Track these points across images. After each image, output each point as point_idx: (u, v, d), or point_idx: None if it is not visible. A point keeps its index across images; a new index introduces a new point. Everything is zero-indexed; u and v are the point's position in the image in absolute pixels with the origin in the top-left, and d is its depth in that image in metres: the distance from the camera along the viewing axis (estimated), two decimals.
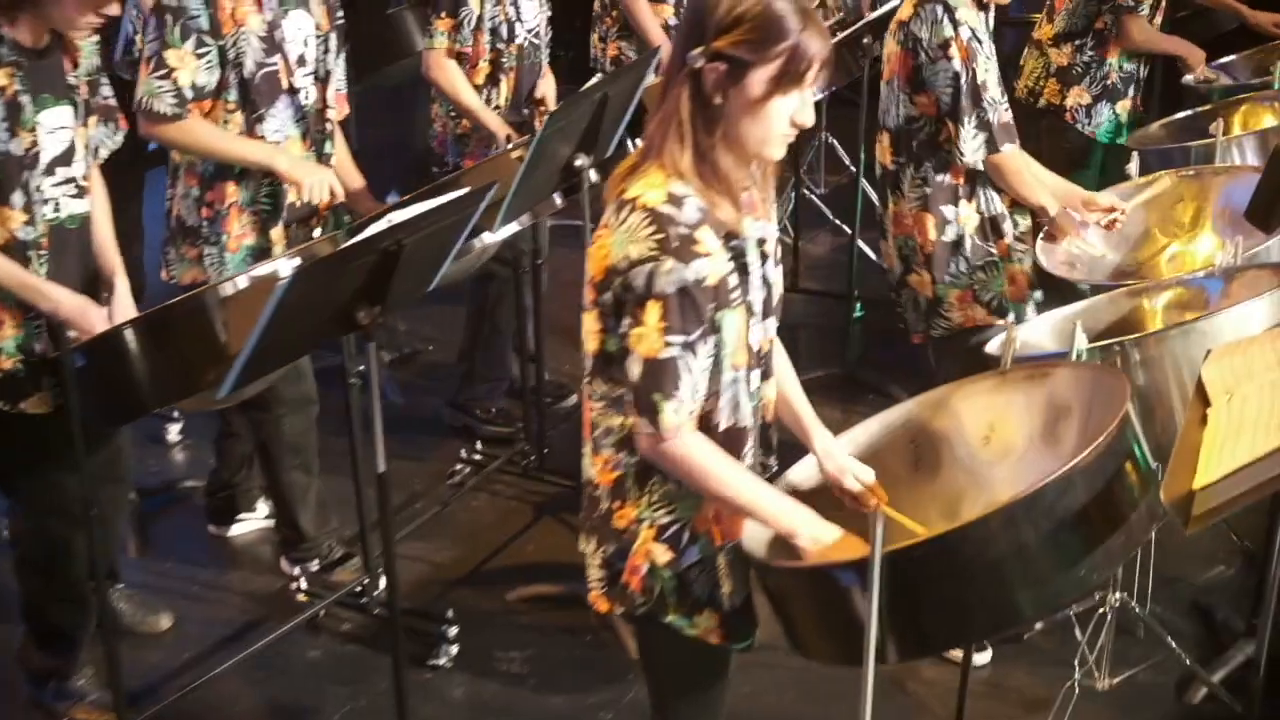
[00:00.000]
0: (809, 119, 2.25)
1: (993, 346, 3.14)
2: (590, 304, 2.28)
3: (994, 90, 3.50)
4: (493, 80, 4.52)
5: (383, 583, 3.85)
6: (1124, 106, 5.05)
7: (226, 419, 4.20)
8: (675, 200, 2.21)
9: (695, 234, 2.20)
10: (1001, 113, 3.52)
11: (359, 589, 3.95)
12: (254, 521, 4.37)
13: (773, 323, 2.48)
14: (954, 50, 3.46)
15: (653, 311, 2.18)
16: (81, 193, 3.19)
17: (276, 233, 3.66)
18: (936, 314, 3.67)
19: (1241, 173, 3.81)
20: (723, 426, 2.34)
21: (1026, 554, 2.13)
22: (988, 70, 3.50)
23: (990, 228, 3.64)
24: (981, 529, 2.13)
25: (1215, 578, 4.03)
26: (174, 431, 4.91)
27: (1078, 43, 5.00)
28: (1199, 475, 2.13)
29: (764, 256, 2.41)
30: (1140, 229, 3.95)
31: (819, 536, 2.28)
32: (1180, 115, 4.60)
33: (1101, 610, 3.37)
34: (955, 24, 3.46)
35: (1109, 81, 5.02)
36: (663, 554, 2.37)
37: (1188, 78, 5.04)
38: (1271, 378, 2.25)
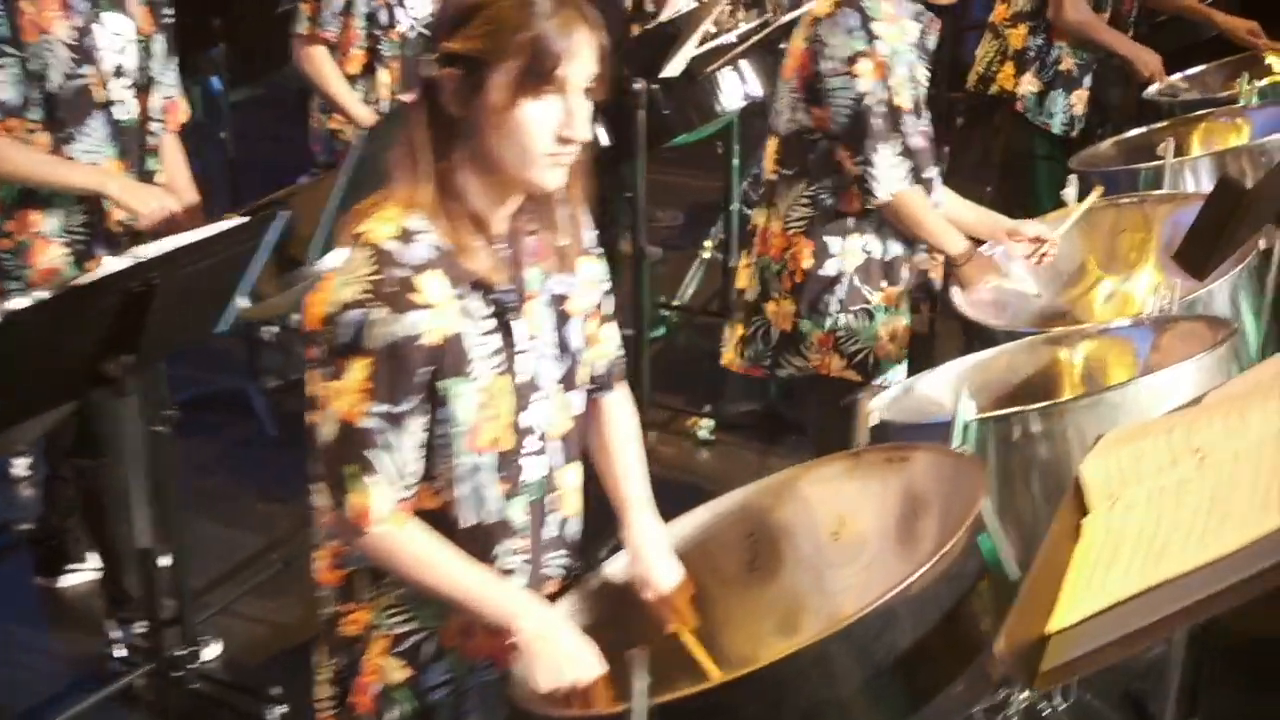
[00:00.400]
0: (580, 132, 1.80)
1: (878, 404, 2.68)
2: (310, 364, 1.83)
3: (910, 116, 3.04)
4: (369, 71, 4.10)
5: (207, 652, 3.49)
6: (1080, 97, 4.60)
7: (51, 460, 3.76)
8: (406, 236, 1.79)
9: (416, 279, 1.77)
10: (919, 141, 3.06)
11: (181, 655, 3.50)
12: (85, 573, 3.91)
13: (578, 398, 2.02)
14: (862, 66, 2.99)
15: (357, 368, 1.76)
16: None
17: (94, 265, 3.20)
18: (790, 351, 3.18)
19: (1191, 201, 3.32)
20: (465, 523, 1.89)
21: (839, 709, 1.68)
22: (906, 93, 3.04)
23: (880, 272, 3.15)
24: (781, 672, 1.67)
25: (1153, 659, 3.55)
26: (21, 466, 4.45)
27: (1031, 24, 4.56)
28: (1058, 613, 1.65)
29: (563, 317, 1.96)
30: (1075, 263, 3.48)
31: (545, 632, 1.84)
32: (1133, 133, 4.11)
33: (1009, 714, 2.90)
34: (870, 37, 2.99)
35: (1061, 68, 4.55)
36: (398, 671, 1.93)
37: (1149, 89, 4.55)
38: (1164, 482, 1.77)
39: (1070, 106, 4.57)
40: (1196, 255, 2.63)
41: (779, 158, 3.17)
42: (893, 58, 3.00)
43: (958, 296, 3.21)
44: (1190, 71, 4.78)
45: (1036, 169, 4.61)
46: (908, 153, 3.02)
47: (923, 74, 3.15)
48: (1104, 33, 4.54)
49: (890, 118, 3.00)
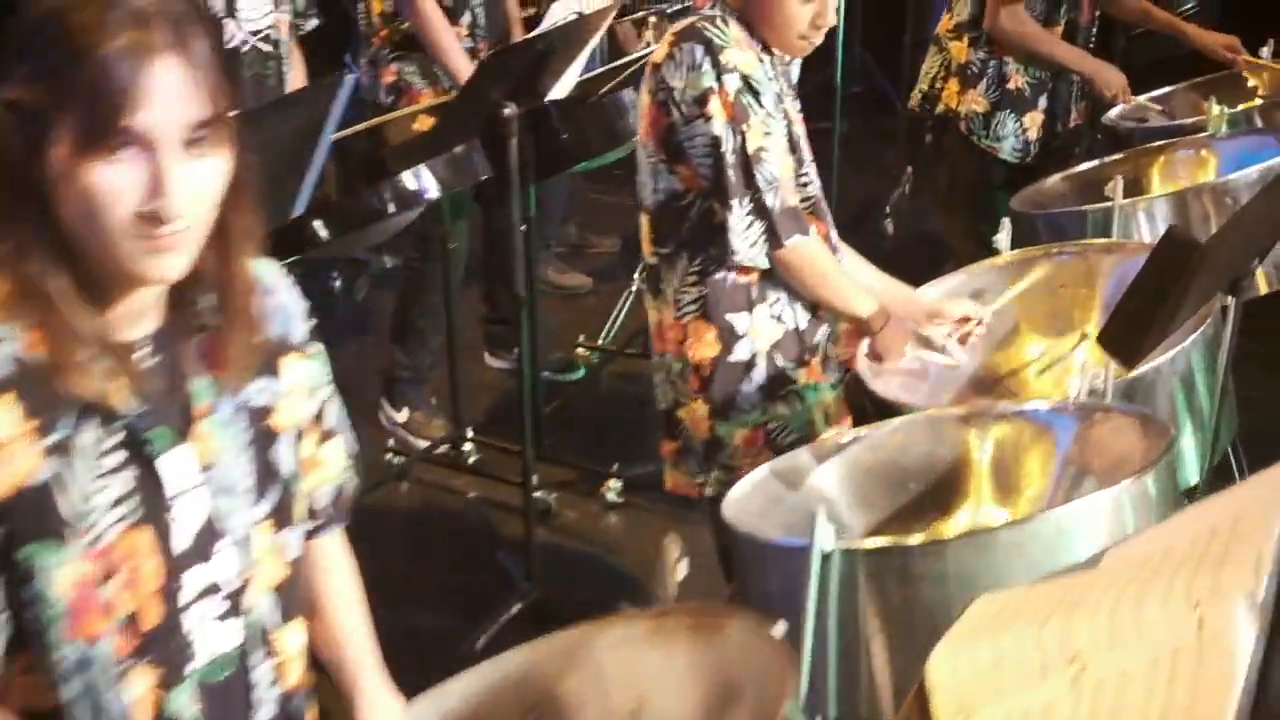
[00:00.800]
0: (170, 207, 1.30)
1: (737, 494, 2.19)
2: None
3: (776, 163, 2.53)
4: None
5: None
6: (1034, 120, 4.07)
7: None
8: None
9: None
10: (786, 193, 2.55)
11: None
12: None
13: (294, 538, 1.55)
14: (713, 106, 2.49)
15: None
16: None
17: None
18: (716, 463, 2.67)
19: (1138, 253, 2.81)
20: None
21: None
22: (769, 134, 2.54)
23: (799, 343, 2.66)
24: None
25: None
26: None
27: (973, 35, 4.03)
28: None
29: (267, 436, 1.49)
30: (1009, 323, 2.98)
31: None
32: (1084, 166, 3.60)
33: None
34: (719, 70, 2.48)
35: (1010, 87, 4.03)
36: None
37: (1110, 113, 4.04)
38: (1027, 704, 1.28)
39: (1023, 130, 4.05)
40: (1127, 336, 2.12)
41: (654, 237, 2.67)
42: (744, 95, 2.51)
43: (865, 369, 2.72)
44: (1160, 91, 4.27)
45: (994, 200, 4.02)
46: (761, 211, 2.51)
47: (794, 108, 2.66)
48: (1050, 45, 3.99)
49: (742, 168, 2.49)
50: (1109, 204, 3.06)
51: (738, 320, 2.63)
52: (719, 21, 2.52)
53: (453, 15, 3.90)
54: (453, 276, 3.99)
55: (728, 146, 2.48)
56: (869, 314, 2.63)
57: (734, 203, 2.49)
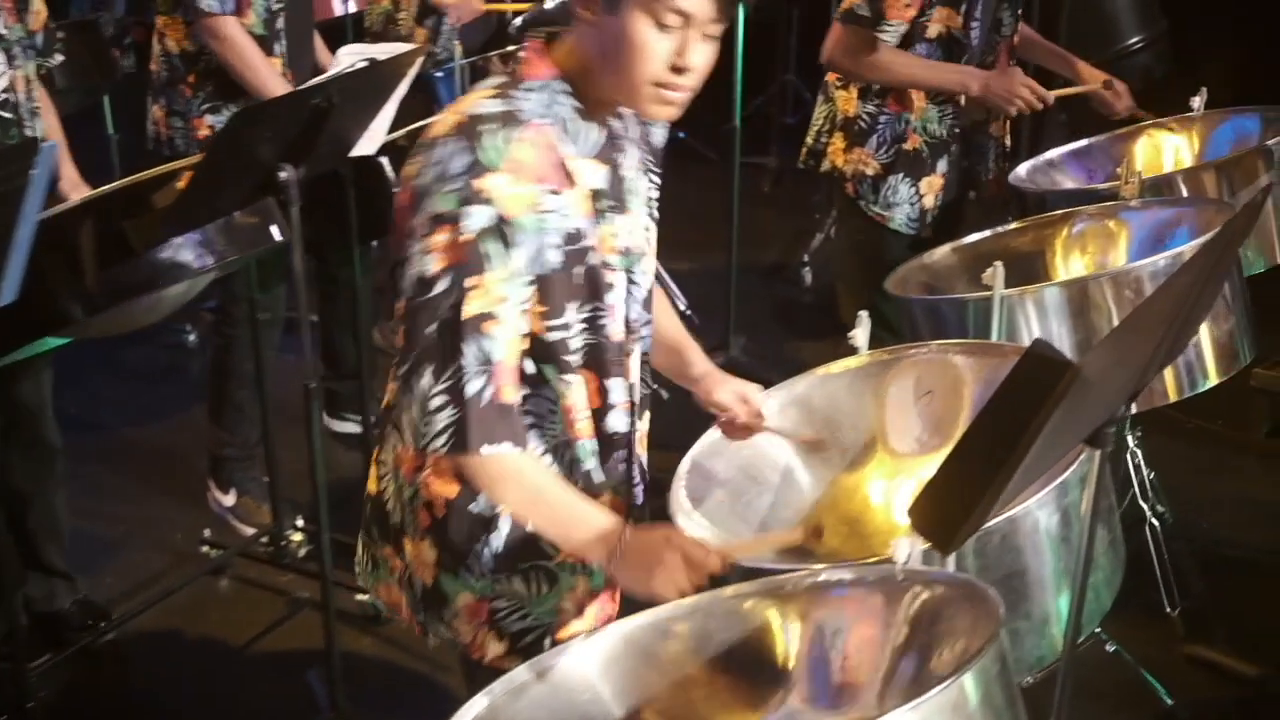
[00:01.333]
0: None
1: None
2: None
3: (503, 339, 1.84)
4: None
5: None
6: (932, 185, 3.46)
7: None
8: None
9: None
10: (502, 383, 1.84)
11: None
12: None
13: None
14: (439, 239, 1.81)
15: None
16: None
17: None
18: (435, 614, 2.09)
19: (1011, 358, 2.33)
20: None
21: None
22: (505, 300, 1.83)
23: None
24: None
25: None
26: None
27: (862, 86, 3.47)
28: None
29: None
30: (861, 437, 2.51)
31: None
32: (977, 237, 3.11)
33: None
34: (466, 195, 1.80)
35: (906, 147, 3.44)
36: None
37: (1019, 169, 3.56)
38: None
39: (918, 196, 3.46)
40: (946, 508, 1.63)
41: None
42: (489, 240, 1.81)
43: (676, 506, 2.24)
44: (1086, 141, 3.79)
45: (888, 273, 3.22)
46: (456, 397, 1.83)
47: (642, 188, 2.06)
48: (908, 72, 3.35)
49: (450, 332, 1.82)
50: (987, 294, 2.59)
51: None
52: (518, 114, 1.87)
53: (264, 43, 3.46)
54: (265, 347, 3.52)
55: (438, 298, 1.82)
56: (590, 549, 1.94)
57: (426, 370, 1.84)
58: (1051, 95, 3.43)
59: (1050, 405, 1.63)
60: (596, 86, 1.91)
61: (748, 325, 4.82)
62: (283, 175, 2.67)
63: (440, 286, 1.82)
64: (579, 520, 1.93)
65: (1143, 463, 3.51)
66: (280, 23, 3.54)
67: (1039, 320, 2.64)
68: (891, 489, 2.45)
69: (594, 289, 1.95)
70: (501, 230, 1.81)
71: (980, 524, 1.65)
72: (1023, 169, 3.55)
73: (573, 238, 1.90)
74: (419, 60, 2.96)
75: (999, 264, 2.58)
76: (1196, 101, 3.60)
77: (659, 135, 2.14)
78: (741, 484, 2.43)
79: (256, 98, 3.40)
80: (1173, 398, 2.68)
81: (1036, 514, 2.04)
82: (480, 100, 1.88)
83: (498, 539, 2.03)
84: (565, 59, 1.92)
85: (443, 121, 1.89)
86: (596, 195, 1.94)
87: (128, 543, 3.72)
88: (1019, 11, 3.56)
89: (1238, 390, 4.25)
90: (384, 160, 3.40)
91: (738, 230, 4.78)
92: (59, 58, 3.27)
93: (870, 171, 3.46)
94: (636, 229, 2.03)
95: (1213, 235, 1.91)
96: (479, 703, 1.83)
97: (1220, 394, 4.21)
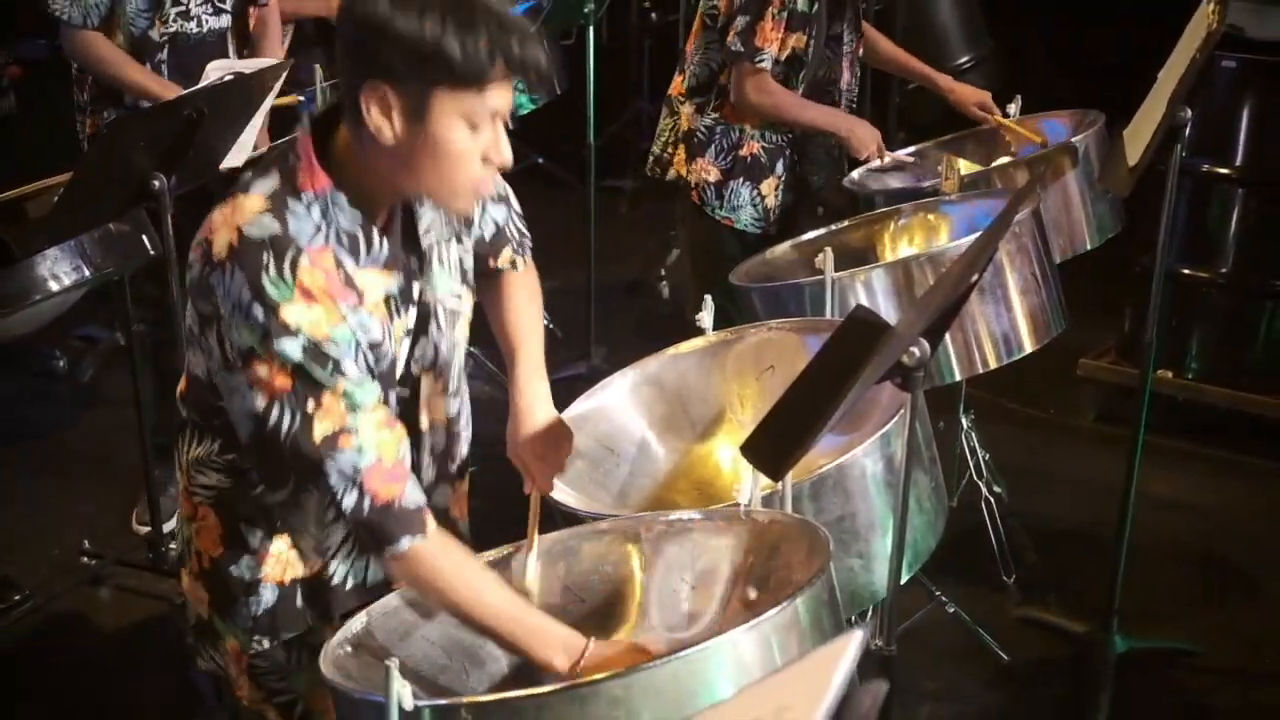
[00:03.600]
0: None
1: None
2: None
3: (369, 439, 1.84)
4: None
5: None
6: (771, 186, 3.74)
7: None
8: None
9: None
10: (378, 484, 1.84)
11: None
12: None
13: None
14: (260, 372, 1.79)
15: None
16: None
17: None
18: (208, 644, 2.13)
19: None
20: None
21: None
22: (356, 408, 1.83)
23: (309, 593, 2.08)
24: None
25: None
26: None
27: (698, 101, 3.75)
28: None
29: None
30: (712, 408, 2.72)
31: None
32: (812, 235, 3.35)
33: None
34: (270, 332, 1.77)
35: (743, 153, 3.72)
36: None
37: (853, 173, 3.82)
38: None
39: (760, 198, 3.75)
40: (776, 442, 1.84)
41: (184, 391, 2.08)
42: (311, 366, 1.79)
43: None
44: (915, 148, 4.08)
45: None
46: (338, 513, 1.86)
47: (450, 258, 2.06)
48: (797, 110, 3.68)
49: (305, 457, 1.82)
50: (819, 278, 2.82)
51: (250, 534, 2.02)
52: (294, 238, 1.79)
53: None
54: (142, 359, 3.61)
55: (277, 428, 1.81)
56: (552, 660, 1.86)
57: (305, 495, 1.91)
58: (889, 157, 3.86)
59: (869, 358, 1.87)
60: (388, 190, 1.88)
61: (608, 336, 5.01)
62: (155, 184, 2.81)
63: (275, 418, 1.80)
64: (534, 633, 1.87)
65: (977, 445, 3.78)
66: (162, 54, 3.57)
67: (868, 299, 2.87)
68: (739, 457, 2.66)
69: (378, 361, 1.93)
70: (318, 352, 1.79)
71: (801, 455, 1.86)
72: (856, 173, 3.81)
73: (375, 346, 1.89)
74: (284, 74, 3.12)
75: (828, 249, 2.82)
76: (1012, 108, 3.91)
77: (491, 219, 2.19)
78: (600, 455, 2.62)
79: (136, 95, 3.50)
80: (993, 364, 2.94)
81: (863, 461, 2.25)
82: (253, 216, 1.80)
83: (258, 604, 2.04)
84: (344, 160, 1.86)
85: (218, 233, 1.81)
86: (389, 300, 1.91)
87: (4, 554, 3.78)
88: (859, 29, 3.85)
89: (1066, 379, 4.59)
90: None
91: (594, 247, 4.98)
92: None
93: (712, 178, 3.74)
94: (447, 298, 2.03)
95: (1000, 213, 2.16)
96: (359, 620, 1.96)
97: (1050, 383, 4.58)
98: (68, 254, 2.85)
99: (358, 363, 1.84)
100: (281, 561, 2.04)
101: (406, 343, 1.98)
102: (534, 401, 2.21)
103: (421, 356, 2.02)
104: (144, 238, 3.08)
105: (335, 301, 1.81)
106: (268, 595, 2.04)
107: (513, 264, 2.29)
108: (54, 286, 2.87)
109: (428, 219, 1.99)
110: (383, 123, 1.77)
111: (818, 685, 1.07)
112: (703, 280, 3.75)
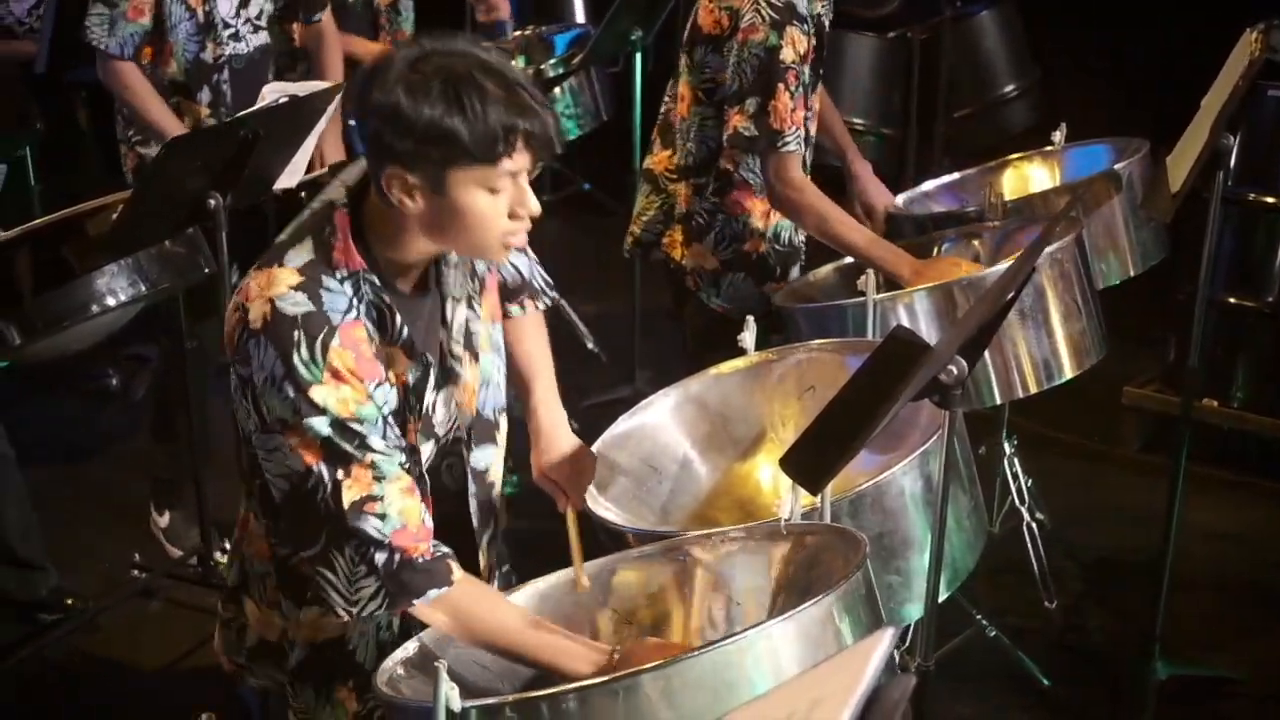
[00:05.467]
0: None
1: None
2: None
3: (395, 503, 1.95)
4: None
5: None
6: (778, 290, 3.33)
7: None
8: None
9: None
10: (406, 541, 1.95)
11: None
12: None
13: None
14: (295, 440, 1.90)
15: None
16: None
17: None
18: (270, 664, 2.24)
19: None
20: None
21: None
22: (381, 479, 1.94)
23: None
24: None
25: None
26: None
27: (696, 183, 3.32)
28: None
29: None
30: (753, 428, 2.75)
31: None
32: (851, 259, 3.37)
33: None
34: (300, 407, 1.88)
35: (746, 249, 3.31)
36: None
37: (898, 198, 3.82)
38: None
39: (763, 300, 3.32)
40: (815, 457, 1.87)
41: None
42: (339, 440, 1.89)
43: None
44: (960, 173, 4.07)
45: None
46: (371, 570, 1.94)
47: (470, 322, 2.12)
48: (850, 236, 3.17)
49: (335, 520, 1.92)
50: (861, 299, 2.85)
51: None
52: (327, 317, 1.88)
53: (185, 91, 3.64)
54: (198, 374, 3.68)
55: (315, 489, 1.91)
56: (582, 673, 1.92)
57: (336, 552, 1.94)
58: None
59: (907, 376, 1.90)
60: (419, 252, 1.96)
61: (652, 360, 5.04)
62: (211, 203, 2.88)
63: (313, 480, 1.89)
64: (562, 654, 1.96)
65: (1020, 471, 3.78)
66: (222, 75, 3.65)
67: (909, 321, 2.90)
68: (779, 475, 2.69)
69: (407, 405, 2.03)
70: (346, 428, 1.88)
71: (839, 469, 1.89)
72: (901, 198, 3.83)
73: (395, 414, 1.98)
74: (337, 97, 3.19)
75: (870, 271, 2.85)
76: (1057, 136, 3.92)
77: (482, 265, 2.17)
78: (643, 473, 2.65)
79: (154, 132, 3.58)
80: (1033, 389, 2.95)
81: (902, 479, 2.28)
82: (286, 291, 1.87)
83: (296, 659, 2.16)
84: (375, 224, 1.93)
85: (254, 302, 1.88)
86: (407, 390, 1.99)
87: (58, 569, 3.84)
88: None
89: (1110, 408, 4.58)
90: (305, 196, 3.60)
91: (639, 272, 5.02)
92: None
93: (709, 267, 3.34)
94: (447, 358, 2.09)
95: (1034, 238, 2.19)
96: (411, 644, 2.03)
97: (1094, 412, 4.58)
98: (125, 270, 2.92)
99: (385, 437, 1.93)
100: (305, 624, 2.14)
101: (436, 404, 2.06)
102: (555, 426, 2.34)
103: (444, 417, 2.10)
104: (199, 258, 3.14)
105: (362, 382, 1.90)
106: (300, 653, 2.16)
107: (522, 305, 2.39)
108: (111, 301, 2.94)
109: (451, 278, 2.06)
110: (406, 200, 1.86)
111: (849, 679, 1.10)
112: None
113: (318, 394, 1.86)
